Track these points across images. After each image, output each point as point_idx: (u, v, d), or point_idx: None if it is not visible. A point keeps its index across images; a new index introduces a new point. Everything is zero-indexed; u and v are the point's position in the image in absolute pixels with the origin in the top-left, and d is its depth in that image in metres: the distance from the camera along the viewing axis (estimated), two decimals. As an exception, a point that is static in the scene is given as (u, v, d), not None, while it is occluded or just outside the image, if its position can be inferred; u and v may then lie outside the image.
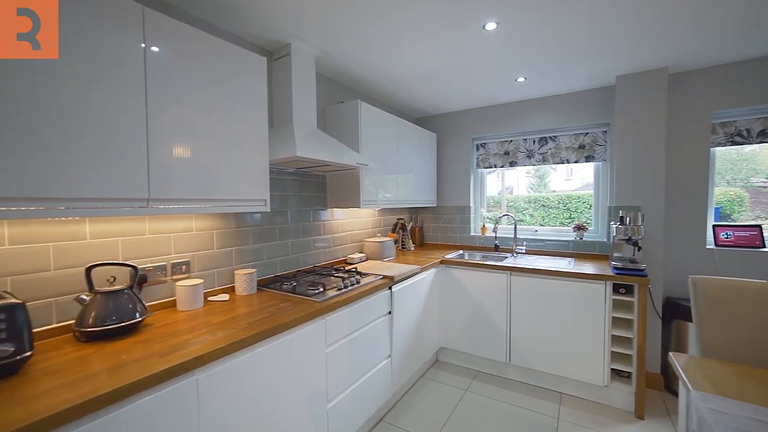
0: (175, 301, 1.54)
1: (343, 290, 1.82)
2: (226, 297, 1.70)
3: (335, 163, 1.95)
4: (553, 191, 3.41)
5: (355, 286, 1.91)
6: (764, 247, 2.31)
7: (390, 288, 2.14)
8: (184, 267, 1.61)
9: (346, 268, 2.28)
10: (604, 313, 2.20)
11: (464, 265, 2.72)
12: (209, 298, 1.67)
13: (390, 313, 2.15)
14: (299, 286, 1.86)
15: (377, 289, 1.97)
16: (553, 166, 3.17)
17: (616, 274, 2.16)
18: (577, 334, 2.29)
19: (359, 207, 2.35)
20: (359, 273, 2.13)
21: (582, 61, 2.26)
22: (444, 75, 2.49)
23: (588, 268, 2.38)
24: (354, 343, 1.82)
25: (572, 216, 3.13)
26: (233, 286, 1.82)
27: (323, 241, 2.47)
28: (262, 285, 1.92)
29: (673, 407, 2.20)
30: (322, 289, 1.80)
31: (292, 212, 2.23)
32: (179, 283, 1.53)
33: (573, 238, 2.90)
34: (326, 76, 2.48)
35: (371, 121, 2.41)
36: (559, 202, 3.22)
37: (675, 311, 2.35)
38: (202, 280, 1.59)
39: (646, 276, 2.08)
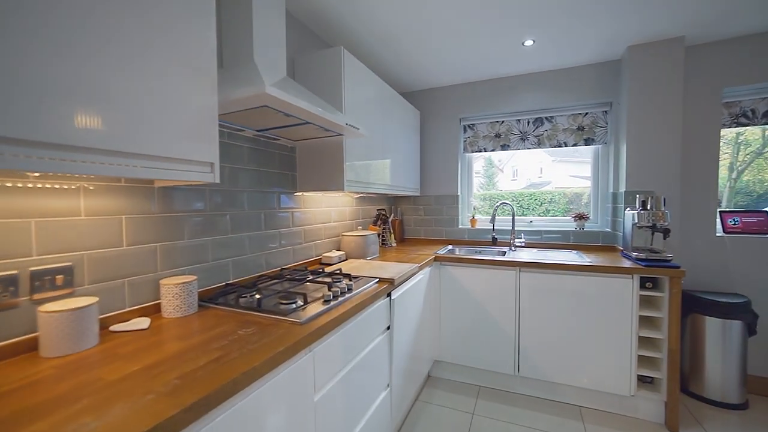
0: (37, 339, 0.86)
1: (333, 302, 1.26)
2: (143, 324, 1.04)
3: (319, 121, 1.38)
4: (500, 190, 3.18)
5: (348, 296, 1.35)
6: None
7: (389, 294, 1.62)
8: (60, 278, 0.92)
9: (327, 270, 1.71)
10: (631, 311, 1.90)
11: (464, 262, 2.29)
12: (113, 328, 1.00)
13: (389, 328, 1.62)
14: (266, 300, 1.26)
15: (375, 297, 1.44)
16: (504, 165, 2.89)
17: (645, 266, 1.87)
18: (598, 337, 1.97)
19: (342, 190, 1.78)
20: (347, 276, 1.58)
21: (595, 21, 1.94)
22: (440, 29, 2.02)
23: (602, 260, 2.08)
24: (349, 378, 1.26)
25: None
26: (158, 304, 1.16)
27: (292, 236, 1.86)
28: (207, 300, 1.28)
29: (700, 414, 1.97)
30: (301, 303, 1.22)
31: (251, 195, 1.60)
32: (46, 307, 0.85)
33: (573, 229, 2.63)
34: (297, 18, 1.88)
35: (355, 79, 1.86)
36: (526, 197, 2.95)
37: (692, 304, 2.14)
38: (95, 299, 0.92)
39: (678, 267, 1.81)
